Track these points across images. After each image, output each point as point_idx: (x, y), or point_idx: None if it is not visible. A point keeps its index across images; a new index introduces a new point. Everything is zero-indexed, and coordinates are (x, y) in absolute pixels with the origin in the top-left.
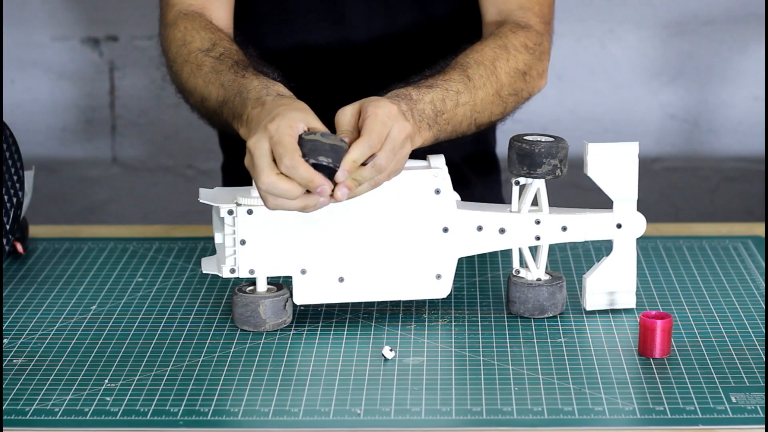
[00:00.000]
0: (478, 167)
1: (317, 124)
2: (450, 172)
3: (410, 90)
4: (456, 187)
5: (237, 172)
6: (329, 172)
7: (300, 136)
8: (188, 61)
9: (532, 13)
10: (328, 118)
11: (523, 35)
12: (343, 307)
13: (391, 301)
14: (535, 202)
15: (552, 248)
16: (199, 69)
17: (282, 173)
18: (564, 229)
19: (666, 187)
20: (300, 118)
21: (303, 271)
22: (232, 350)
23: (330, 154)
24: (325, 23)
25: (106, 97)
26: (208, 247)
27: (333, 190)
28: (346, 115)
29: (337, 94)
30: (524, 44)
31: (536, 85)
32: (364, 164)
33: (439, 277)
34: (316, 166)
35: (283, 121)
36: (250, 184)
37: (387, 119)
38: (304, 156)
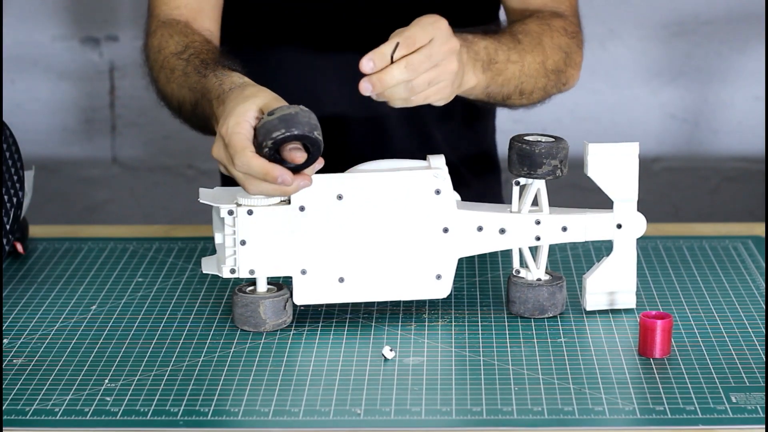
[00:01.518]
0: (478, 168)
1: (276, 102)
2: (450, 173)
3: (466, 33)
4: (456, 187)
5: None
6: (298, 140)
7: (254, 127)
8: (163, 66)
9: (565, 6)
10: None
11: (562, 21)
12: (343, 307)
13: (391, 301)
14: (535, 203)
15: (552, 248)
16: (172, 73)
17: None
18: (564, 229)
19: (666, 187)
20: (248, 108)
21: (303, 272)
22: (232, 350)
23: (281, 126)
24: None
25: (106, 97)
26: (208, 247)
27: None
28: (396, 33)
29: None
30: (564, 28)
31: (573, 74)
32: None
33: (439, 277)
34: (278, 143)
35: (231, 119)
36: None
37: (430, 26)
38: (261, 144)
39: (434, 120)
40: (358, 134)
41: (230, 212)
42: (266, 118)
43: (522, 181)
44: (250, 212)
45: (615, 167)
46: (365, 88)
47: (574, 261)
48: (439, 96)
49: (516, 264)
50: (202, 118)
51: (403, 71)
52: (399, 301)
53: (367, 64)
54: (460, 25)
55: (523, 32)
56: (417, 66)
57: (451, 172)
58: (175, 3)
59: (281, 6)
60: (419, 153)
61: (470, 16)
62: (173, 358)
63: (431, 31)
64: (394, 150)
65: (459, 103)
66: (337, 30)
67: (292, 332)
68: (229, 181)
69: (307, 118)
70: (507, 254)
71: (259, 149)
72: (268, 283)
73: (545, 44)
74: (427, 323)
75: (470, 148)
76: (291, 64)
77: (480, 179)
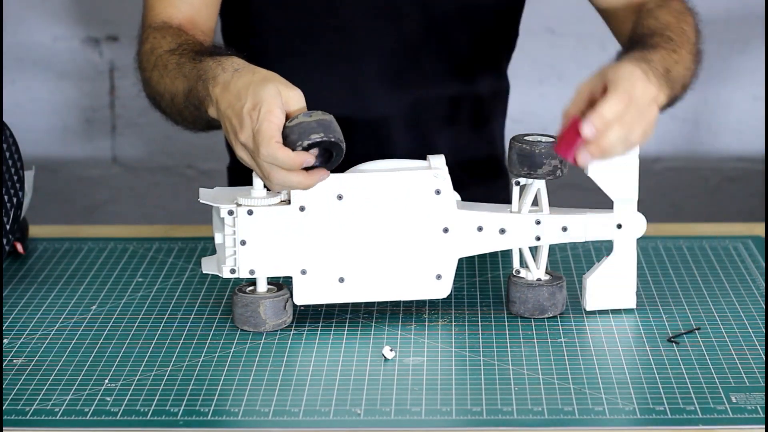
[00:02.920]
0: (483, 174)
1: (287, 90)
2: (453, 179)
3: (642, 51)
4: (459, 190)
5: (243, 174)
6: (327, 146)
7: (284, 126)
8: (156, 65)
9: None
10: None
11: (676, 2)
12: (343, 307)
13: (391, 301)
14: (535, 203)
15: (552, 248)
16: (165, 68)
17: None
18: (564, 229)
19: (666, 187)
20: (275, 94)
21: (303, 272)
22: (232, 350)
23: (319, 129)
24: None
25: (106, 97)
26: (208, 247)
27: (576, 156)
28: (583, 90)
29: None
30: (684, 7)
31: (699, 39)
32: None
33: (439, 277)
34: (312, 146)
35: (263, 107)
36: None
37: (631, 77)
38: (295, 142)
39: (439, 125)
40: (360, 139)
41: (230, 212)
42: (302, 119)
43: (522, 181)
44: (250, 212)
45: (615, 167)
46: (584, 158)
47: (574, 261)
48: (645, 139)
49: (516, 264)
50: (196, 104)
51: (618, 131)
52: (399, 301)
53: (589, 129)
54: (479, 28)
55: (665, 27)
56: (631, 123)
57: (453, 178)
58: (167, 14)
59: (285, 10)
60: (422, 158)
61: (489, 19)
62: (173, 358)
63: (634, 82)
64: (396, 155)
65: (465, 108)
66: (341, 34)
67: (292, 332)
68: (235, 182)
69: (338, 127)
70: (507, 254)
71: (287, 145)
72: (268, 283)
73: (687, 31)
74: (427, 323)
75: (475, 154)
76: (294, 67)
77: (484, 185)
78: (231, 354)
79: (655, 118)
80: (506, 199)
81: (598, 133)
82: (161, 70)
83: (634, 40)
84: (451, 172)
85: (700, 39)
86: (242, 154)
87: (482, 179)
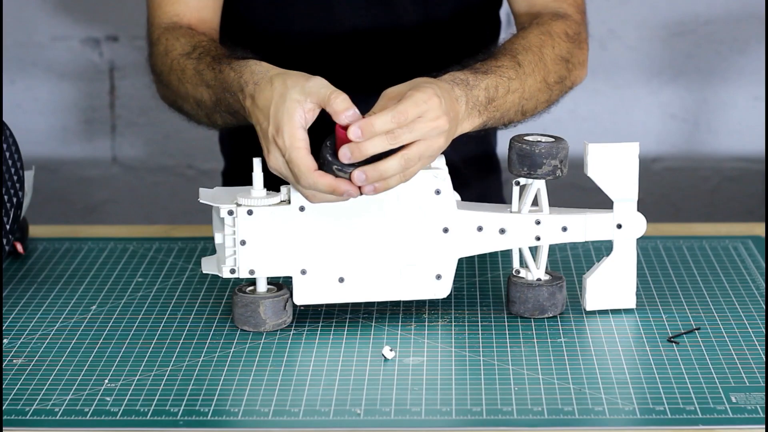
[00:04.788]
0: (478, 168)
1: (304, 94)
2: (450, 173)
3: (467, 74)
4: (456, 188)
5: (238, 178)
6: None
7: (331, 150)
8: (173, 69)
9: (567, 4)
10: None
11: (563, 24)
12: (343, 307)
13: (391, 301)
14: (535, 203)
15: (552, 248)
16: (184, 74)
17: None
18: (564, 229)
19: (666, 187)
20: (291, 112)
21: (303, 272)
22: (232, 350)
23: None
24: (315, 13)
25: (106, 97)
26: (208, 247)
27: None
28: (388, 95)
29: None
30: (565, 32)
31: (578, 74)
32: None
33: (439, 277)
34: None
35: (286, 132)
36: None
37: (423, 103)
38: (339, 169)
39: None
40: None
41: (230, 212)
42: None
43: (522, 181)
44: (250, 212)
45: (615, 167)
46: (344, 155)
47: (574, 261)
48: (417, 169)
49: (516, 264)
50: (230, 113)
51: (384, 142)
52: (399, 301)
53: (355, 132)
54: (463, 39)
55: (523, 50)
56: (399, 136)
57: (451, 173)
58: (174, 11)
59: (276, 25)
60: None
61: (473, 29)
62: (173, 358)
63: (423, 108)
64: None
65: None
66: (337, 51)
67: (292, 332)
68: (230, 182)
69: None
70: (507, 254)
71: (326, 167)
72: (268, 283)
73: (546, 58)
74: (427, 323)
75: (471, 148)
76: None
77: (480, 179)
78: (231, 354)
79: (439, 148)
80: (501, 193)
81: (363, 138)
82: (179, 74)
83: (480, 58)
84: (451, 167)
85: (572, 67)
86: (276, 173)
87: (479, 173)
